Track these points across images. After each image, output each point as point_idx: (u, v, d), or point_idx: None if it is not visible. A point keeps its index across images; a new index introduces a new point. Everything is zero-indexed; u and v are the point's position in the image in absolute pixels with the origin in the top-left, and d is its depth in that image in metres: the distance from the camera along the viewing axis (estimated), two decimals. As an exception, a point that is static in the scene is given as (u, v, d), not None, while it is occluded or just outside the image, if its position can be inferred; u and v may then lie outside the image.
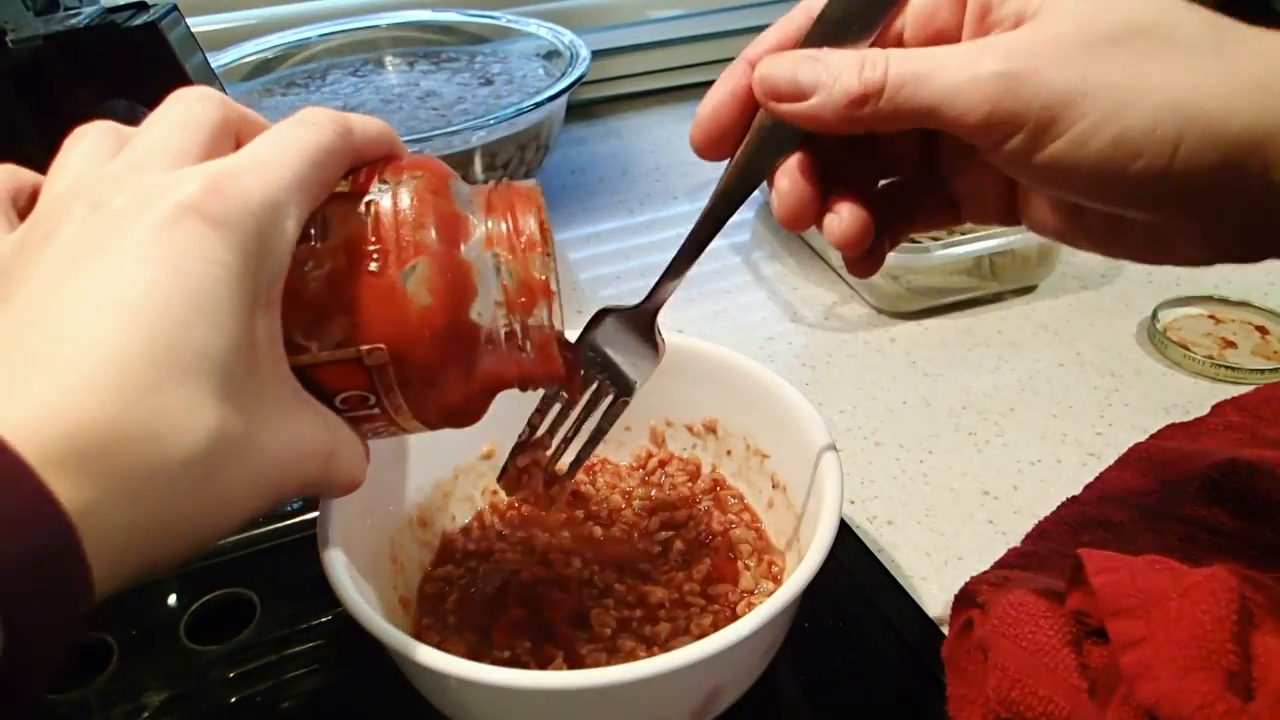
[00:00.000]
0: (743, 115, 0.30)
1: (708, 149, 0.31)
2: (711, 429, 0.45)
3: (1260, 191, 0.25)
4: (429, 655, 0.29)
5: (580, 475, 0.45)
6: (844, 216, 0.30)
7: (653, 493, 0.44)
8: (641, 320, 0.35)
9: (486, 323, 0.28)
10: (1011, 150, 0.26)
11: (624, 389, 0.36)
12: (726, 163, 0.31)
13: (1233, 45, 0.25)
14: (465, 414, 0.31)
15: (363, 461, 0.29)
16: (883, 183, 0.32)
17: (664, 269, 0.34)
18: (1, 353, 0.20)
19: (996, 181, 0.31)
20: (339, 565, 0.32)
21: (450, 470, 0.43)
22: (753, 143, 0.30)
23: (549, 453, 0.37)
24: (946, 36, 0.28)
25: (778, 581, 0.40)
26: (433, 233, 0.27)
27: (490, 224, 0.29)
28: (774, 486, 0.42)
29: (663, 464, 0.45)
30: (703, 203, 0.32)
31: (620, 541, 0.42)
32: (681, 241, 0.33)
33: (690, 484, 0.44)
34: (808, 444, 0.38)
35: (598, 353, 0.36)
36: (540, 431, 0.37)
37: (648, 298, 0.35)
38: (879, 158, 0.32)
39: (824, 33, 0.29)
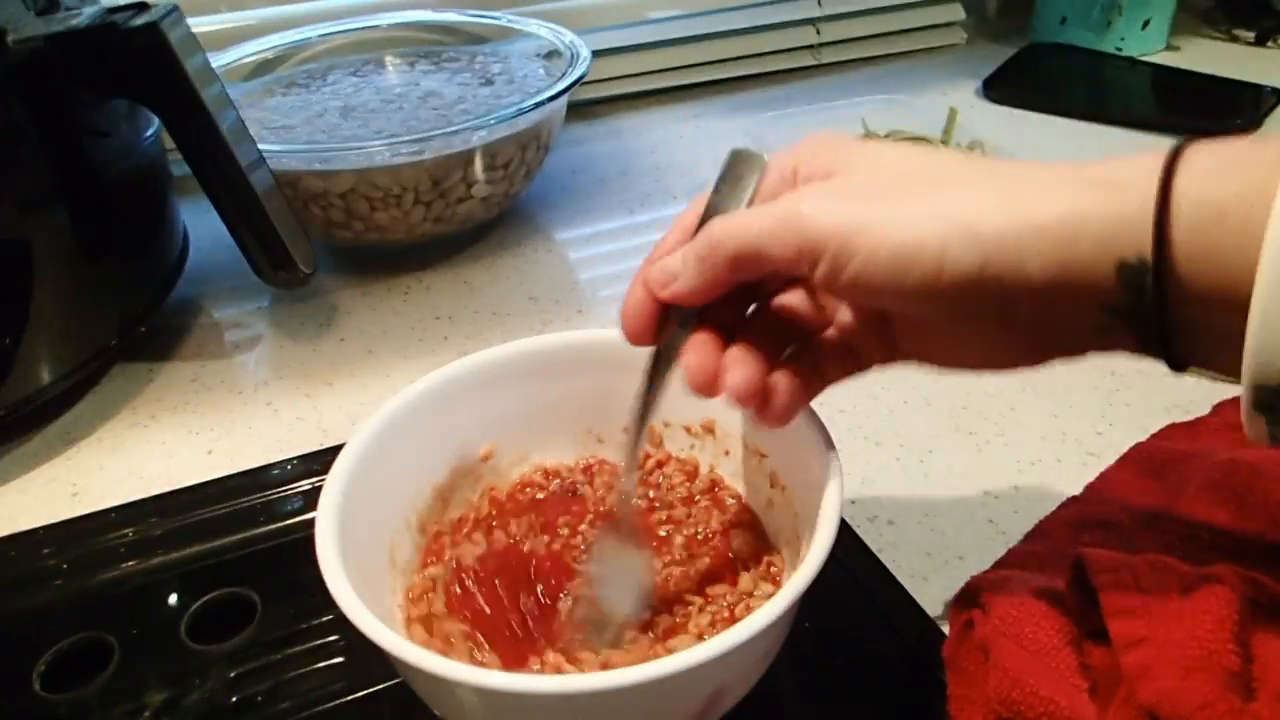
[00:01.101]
0: (655, 308, 0.35)
1: (635, 339, 0.36)
2: (709, 429, 0.44)
3: (1019, 284, 0.29)
4: (427, 660, 0.29)
5: (577, 476, 0.45)
6: (736, 371, 0.34)
7: (650, 493, 0.44)
8: (624, 530, 0.40)
9: None
10: (822, 275, 0.31)
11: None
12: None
13: (980, 174, 0.31)
14: None
15: None
16: (789, 350, 0.37)
17: (626, 457, 0.38)
18: None
19: (874, 327, 0.36)
20: (337, 571, 0.32)
21: (447, 474, 0.43)
22: (668, 328, 0.36)
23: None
24: None
25: (776, 583, 0.40)
26: None
27: None
28: (772, 486, 0.42)
29: (660, 465, 0.45)
30: None
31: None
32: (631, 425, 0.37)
33: (688, 484, 0.44)
34: (807, 444, 0.38)
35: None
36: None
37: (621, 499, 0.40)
38: (780, 328, 0.37)
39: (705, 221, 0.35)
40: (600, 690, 0.29)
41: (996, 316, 0.31)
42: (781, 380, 0.35)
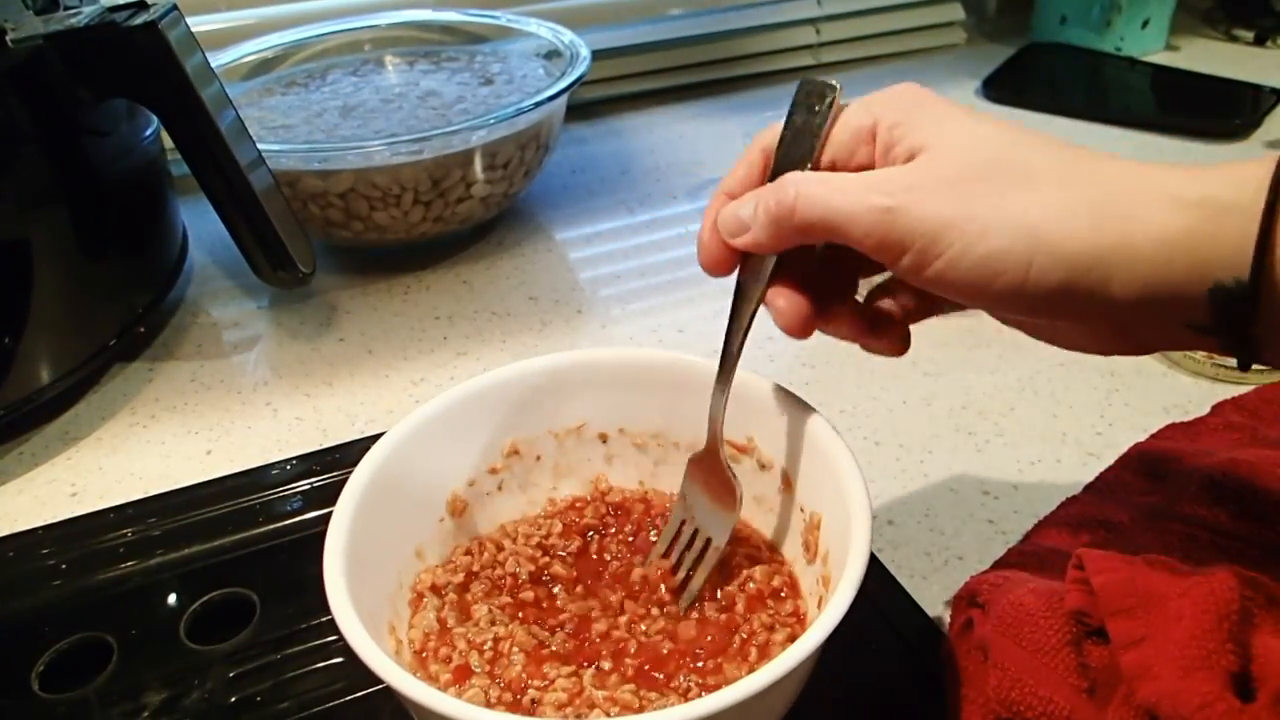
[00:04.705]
0: (729, 246, 0.36)
1: (713, 270, 0.36)
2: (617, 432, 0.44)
3: (1103, 302, 0.29)
4: (413, 689, 0.29)
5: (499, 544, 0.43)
6: (786, 305, 0.36)
7: (557, 526, 0.43)
8: (710, 458, 0.39)
9: None
10: (904, 267, 0.32)
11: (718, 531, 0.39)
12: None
13: (1075, 175, 0.30)
14: None
15: None
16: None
17: (712, 393, 0.38)
18: None
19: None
20: (350, 614, 0.31)
21: (444, 507, 0.42)
22: (743, 270, 0.36)
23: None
24: (867, 169, 0.34)
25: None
26: None
27: None
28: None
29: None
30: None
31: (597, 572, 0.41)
32: (723, 345, 0.38)
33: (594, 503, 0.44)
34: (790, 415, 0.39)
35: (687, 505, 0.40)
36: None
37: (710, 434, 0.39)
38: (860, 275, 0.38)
39: (779, 165, 0.35)
40: None
41: (1078, 324, 0.32)
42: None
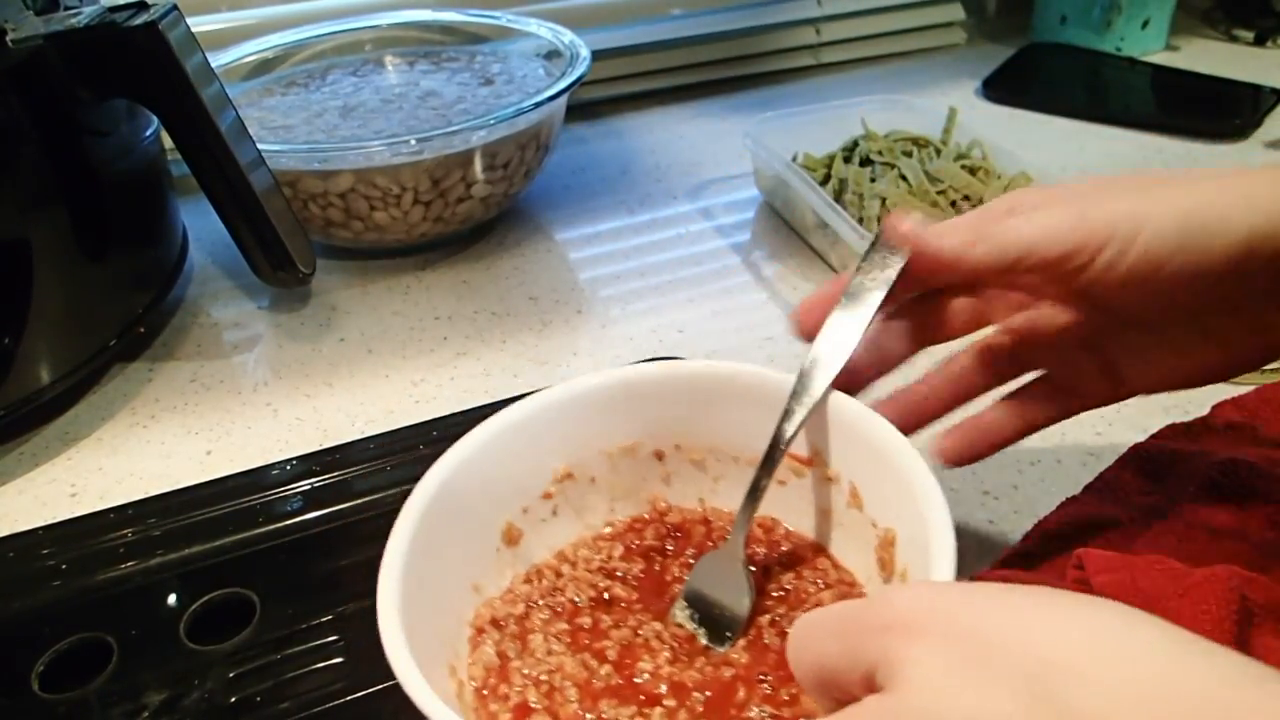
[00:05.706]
0: (829, 308, 0.39)
1: (807, 331, 0.40)
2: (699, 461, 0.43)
3: (1241, 245, 0.31)
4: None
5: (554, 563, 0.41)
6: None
7: (618, 549, 0.41)
8: (728, 558, 0.38)
9: None
10: (1105, 261, 0.32)
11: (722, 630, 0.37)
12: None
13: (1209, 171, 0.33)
14: None
15: None
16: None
17: (744, 500, 0.38)
18: None
19: (1094, 356, 0.38)
20: (405, 657, 0.30)
21: (499, 536, 0.40)
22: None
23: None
24: None
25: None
26: None
27: None
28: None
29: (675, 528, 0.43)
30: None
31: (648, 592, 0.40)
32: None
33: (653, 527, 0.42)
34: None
35: (697, 599, 0.38)
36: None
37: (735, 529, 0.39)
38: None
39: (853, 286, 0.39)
40: None
41: (1251, 297, 0.33)
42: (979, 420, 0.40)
